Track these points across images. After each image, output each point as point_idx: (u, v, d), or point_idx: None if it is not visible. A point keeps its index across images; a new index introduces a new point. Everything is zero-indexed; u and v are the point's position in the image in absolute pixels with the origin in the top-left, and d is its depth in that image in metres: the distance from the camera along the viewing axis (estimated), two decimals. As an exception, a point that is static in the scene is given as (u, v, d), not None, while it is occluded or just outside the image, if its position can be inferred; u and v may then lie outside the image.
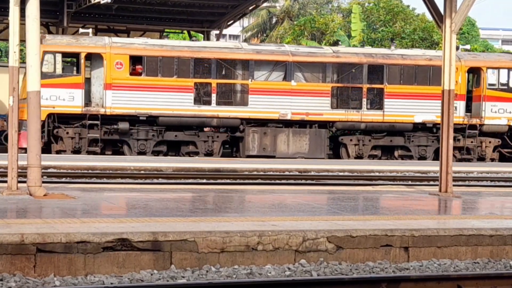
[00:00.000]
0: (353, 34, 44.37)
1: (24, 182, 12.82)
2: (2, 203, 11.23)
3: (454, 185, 15.09)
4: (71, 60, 30.90)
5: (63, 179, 18.35)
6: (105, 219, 9.53)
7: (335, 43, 42.17)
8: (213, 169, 22.15)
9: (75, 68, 29.38)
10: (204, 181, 19.54)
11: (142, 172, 21.27)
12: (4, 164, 17.80)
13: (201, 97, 29.24)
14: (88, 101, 28.59)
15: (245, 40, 62.61)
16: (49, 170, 19.92)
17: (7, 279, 7.78)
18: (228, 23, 38.15)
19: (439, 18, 14.98)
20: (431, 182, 19.91)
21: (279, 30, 55.58)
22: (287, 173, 22.69)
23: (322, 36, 46.18)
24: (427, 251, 9.54)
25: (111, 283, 7.90)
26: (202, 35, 40.02)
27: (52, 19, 34.23)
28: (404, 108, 30.65)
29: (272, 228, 9.17)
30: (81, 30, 30.65)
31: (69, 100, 27.91)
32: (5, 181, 13.18)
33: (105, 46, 28.52)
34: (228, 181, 19.88)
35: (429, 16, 41.78)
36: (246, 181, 19.92)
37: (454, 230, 9.74)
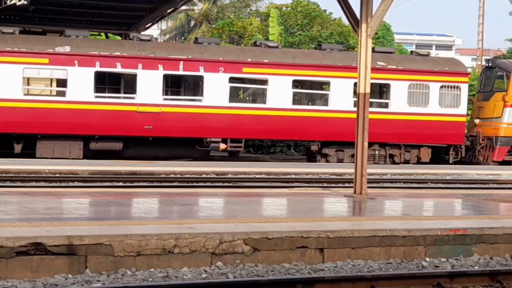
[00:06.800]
0: (270, 38, 44.48)
1: None
2: None
3: (368, 187, 15.31)
4: None
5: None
6: (19, 223, 9.38)
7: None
8: (129, 172, 22.01)
9: None
10: (121, 184, 19.49)
11: (57, 175, 21.03)
12: None
13: None
14: None
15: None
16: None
17: None
18: (146, 26, 37.88)
19: (355, 22, 15.20)
20: (346, 184, 20.19)
21: (198, 33, 55.51)
22: (204, 175, 22.68)
23: (240, 40, 46.29)
24: (341, 252, 9.67)
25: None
26: (120, 37, 39.60)
27: (-35, 21, 33.44)
28: None
29: (189, 231, 9.17)
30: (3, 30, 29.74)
31: None
32: None
33: None
34: (145, 184, 19.82)
35: (345, 21, 42.32)
36: (163, 183, 19.90)
37: (368, 231, 9.90)
